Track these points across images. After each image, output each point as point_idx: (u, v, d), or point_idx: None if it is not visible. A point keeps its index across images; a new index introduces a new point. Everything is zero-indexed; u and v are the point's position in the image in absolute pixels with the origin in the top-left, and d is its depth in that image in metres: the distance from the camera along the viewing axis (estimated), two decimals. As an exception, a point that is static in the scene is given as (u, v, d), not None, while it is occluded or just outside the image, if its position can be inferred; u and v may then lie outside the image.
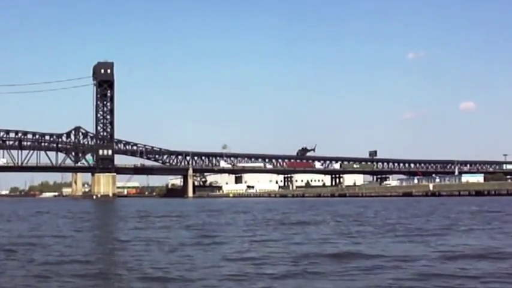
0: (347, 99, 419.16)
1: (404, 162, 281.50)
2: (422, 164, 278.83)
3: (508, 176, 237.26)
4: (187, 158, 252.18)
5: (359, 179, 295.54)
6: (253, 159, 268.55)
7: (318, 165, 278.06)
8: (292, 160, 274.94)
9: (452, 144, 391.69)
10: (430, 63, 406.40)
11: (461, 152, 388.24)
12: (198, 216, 52.44)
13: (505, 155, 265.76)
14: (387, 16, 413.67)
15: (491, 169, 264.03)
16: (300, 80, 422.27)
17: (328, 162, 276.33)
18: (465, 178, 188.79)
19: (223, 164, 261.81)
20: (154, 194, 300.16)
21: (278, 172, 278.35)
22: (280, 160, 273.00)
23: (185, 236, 27.87)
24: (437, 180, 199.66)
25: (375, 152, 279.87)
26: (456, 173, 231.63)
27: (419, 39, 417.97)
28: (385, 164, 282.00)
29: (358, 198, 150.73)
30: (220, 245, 23.03)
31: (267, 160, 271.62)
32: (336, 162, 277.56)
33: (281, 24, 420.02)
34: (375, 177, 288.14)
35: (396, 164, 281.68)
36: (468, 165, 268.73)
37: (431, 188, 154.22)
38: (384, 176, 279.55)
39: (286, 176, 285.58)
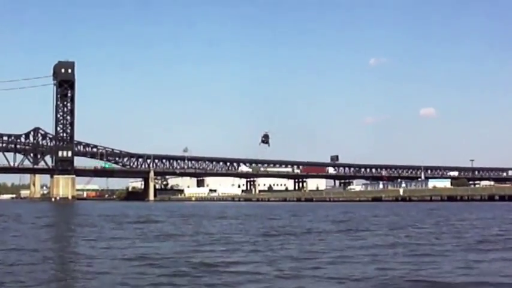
0: (309, 104, 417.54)
1: (366, 167, 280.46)
2: (384, 169, 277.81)
3: (471, 182, 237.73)
4: (148, 160, 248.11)
5: (321, 184, 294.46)
6: (214, 163, 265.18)
7: (331, 170, 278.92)
8: (306, 166, 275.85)
9: (413, 150, 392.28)
10: (391, 69, 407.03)
11: (422, 158, 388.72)
12: (188, 222, 47.87)
13: (471, 160, 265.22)
14: (350, 22, 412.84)
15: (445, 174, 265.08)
16: (262, 84, 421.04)
17: (291, 166, 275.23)
18: (432, 183, 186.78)
19: (243, 168, 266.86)
20: (114, 197, 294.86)
21: (240, 176, 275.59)
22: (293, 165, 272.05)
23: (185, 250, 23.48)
24: (404, 185, 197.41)
25: (337, 157, 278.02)
26: (422, 177, 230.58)
27: (381, 46, 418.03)
28: (347, 168, 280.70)
29: (326, 203, 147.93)
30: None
31: (228, 164, 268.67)
32: (298, 166, 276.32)
33: (244, 28, 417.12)
34: (337, 181, 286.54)
35: (358, 169, 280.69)
36: (429, 171, 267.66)
37: (401, 193, 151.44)
38: (347, 180, 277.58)
39: (248, 179, 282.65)
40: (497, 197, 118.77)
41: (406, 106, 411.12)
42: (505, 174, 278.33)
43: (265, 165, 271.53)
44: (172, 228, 38.46)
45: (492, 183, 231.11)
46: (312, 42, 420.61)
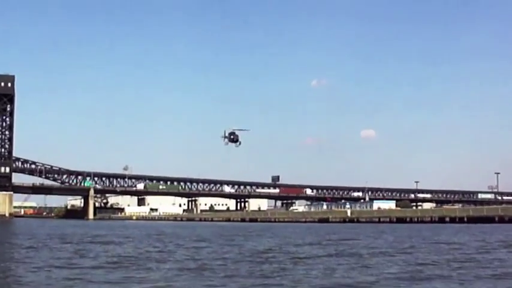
0: (250, 124, 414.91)
1: (307, 187, 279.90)
2: (325, 190, 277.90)
3: (413, 203, 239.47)
4: (88, 178, 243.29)
5: (263, 204, 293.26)
6: (154, 181, 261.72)
7: (308, 191, 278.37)
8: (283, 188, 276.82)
9: (355, 171, 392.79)
10: (332, 90, 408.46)
11: (365, 179, 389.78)
12: (143, 242, 44.68)
13: (416, 182, 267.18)
14: (292, 43, 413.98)
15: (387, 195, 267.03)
16: (203, 104, 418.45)
17: (236, 186, 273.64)
18: (377, 204, 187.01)
19: (227, 189, 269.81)
20: (52, 214, 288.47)
21: (183, 195, 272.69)
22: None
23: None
24: (348, 206, 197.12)
25: (278, 177, 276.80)
26: (367, 199, 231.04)
27: (323, 67, 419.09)
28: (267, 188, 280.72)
29: (272, 223, 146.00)
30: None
31: (175, 183, 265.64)
32: (240, 186, 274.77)
33: (185, 49, 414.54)
34: (279, 202, 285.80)
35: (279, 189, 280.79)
36: (370, 192, 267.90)
37: (349, 214, 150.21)
38: (289, 201, 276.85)
39: (190, 199, 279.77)
40: (447, 219, 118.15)
41: (347, 127, 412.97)
42: (447, 196, 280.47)
43: (206, 184, 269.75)
44: (130, 250, 35.68)
45: (434, 205, 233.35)
46: (253, 61, 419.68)
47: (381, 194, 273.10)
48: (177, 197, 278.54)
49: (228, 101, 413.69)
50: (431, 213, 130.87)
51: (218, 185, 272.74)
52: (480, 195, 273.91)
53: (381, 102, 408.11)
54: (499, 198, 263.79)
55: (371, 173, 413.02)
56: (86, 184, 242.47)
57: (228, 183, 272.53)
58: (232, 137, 76.61)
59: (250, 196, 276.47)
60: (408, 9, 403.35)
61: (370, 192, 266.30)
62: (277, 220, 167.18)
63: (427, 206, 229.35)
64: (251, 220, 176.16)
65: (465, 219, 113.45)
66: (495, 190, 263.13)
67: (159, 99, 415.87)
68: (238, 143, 77.55)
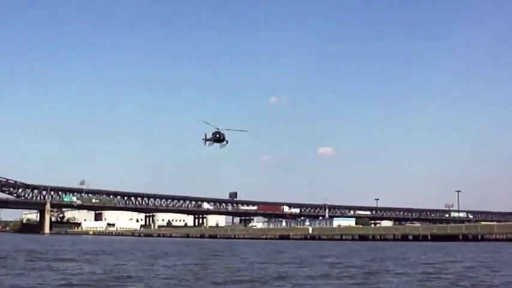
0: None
1: (265, 204, 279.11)
2: (284, 207, 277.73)
3: (372, 221, 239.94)
4: (44, 192, 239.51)
5: (221, 220, 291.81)
6: (112, 196, 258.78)
7: (286, 209, 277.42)
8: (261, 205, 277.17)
9: (313, 188, 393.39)
10: (291, 108, 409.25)
11: (324, 196, 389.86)
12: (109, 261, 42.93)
13: (376, 199, 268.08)
14: (252, 60, 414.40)
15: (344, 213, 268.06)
16: (162, 121, 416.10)
17: (196, 202, 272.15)
18: (336, 222, 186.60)
19: (206, 205, 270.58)
20: (7, 228, 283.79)
21: (139, 210, 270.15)
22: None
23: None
24: (307, 223, 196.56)
25: (235, 194, 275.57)
26: (326, 216, 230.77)
27: (281, 84, 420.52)
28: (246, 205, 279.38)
29: (232, 240, 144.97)
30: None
31: (125, 198, 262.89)
32: (196, 202, 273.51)
33: (144, 68, 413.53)
34: (237, 218, 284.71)
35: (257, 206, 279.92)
36: (328, 209, 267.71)
37: (310, 231, 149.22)
38: (247, 217, 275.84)
39: (147, 214, 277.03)
40: (410, 237, 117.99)
41: (305, 145, 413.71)
42: (404, 214, 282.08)
43: (164, 199, 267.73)
44: (100, 266, 34.19)
45: (391, 223, 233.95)
46: (213, 77, 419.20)
47: (338, 212, 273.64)
48: (134, 212, 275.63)
49: (186, 116, 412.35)
50: (394, 231, 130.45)
51: (176, 201, 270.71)
52: (453, 214, 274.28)
53: (339, 120, 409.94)
54: (471, 216, 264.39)
55: (330, 190, 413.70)
56: (66, 199, 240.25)
57: (185, 198, 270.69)
58: (218, 135, 70.53)
59: (208, 212, 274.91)
60: (369, 27, 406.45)
61: (328, 210, 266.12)
62: (237, 237, 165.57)
63: (385, 223, 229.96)
64: (210, 236, 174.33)
65: (429, 237, 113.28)
66: (452, 208, 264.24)
67: (116, 114, 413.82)
68: (224, 143, 71.38)
